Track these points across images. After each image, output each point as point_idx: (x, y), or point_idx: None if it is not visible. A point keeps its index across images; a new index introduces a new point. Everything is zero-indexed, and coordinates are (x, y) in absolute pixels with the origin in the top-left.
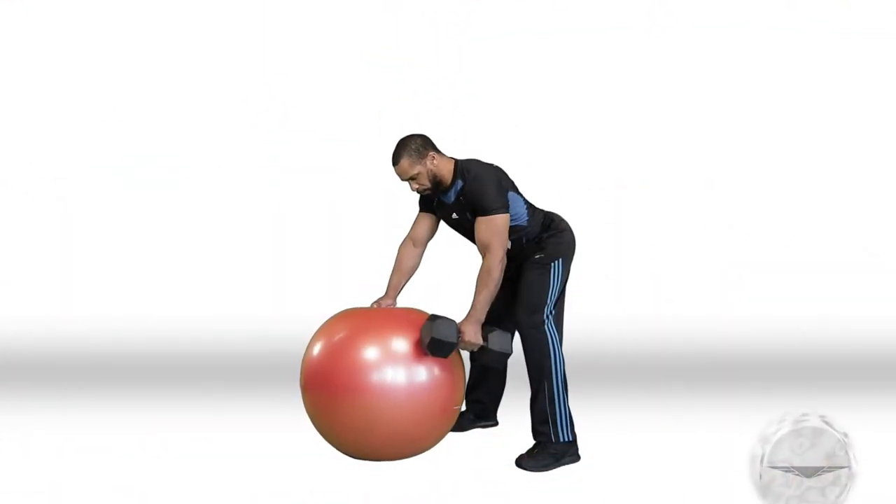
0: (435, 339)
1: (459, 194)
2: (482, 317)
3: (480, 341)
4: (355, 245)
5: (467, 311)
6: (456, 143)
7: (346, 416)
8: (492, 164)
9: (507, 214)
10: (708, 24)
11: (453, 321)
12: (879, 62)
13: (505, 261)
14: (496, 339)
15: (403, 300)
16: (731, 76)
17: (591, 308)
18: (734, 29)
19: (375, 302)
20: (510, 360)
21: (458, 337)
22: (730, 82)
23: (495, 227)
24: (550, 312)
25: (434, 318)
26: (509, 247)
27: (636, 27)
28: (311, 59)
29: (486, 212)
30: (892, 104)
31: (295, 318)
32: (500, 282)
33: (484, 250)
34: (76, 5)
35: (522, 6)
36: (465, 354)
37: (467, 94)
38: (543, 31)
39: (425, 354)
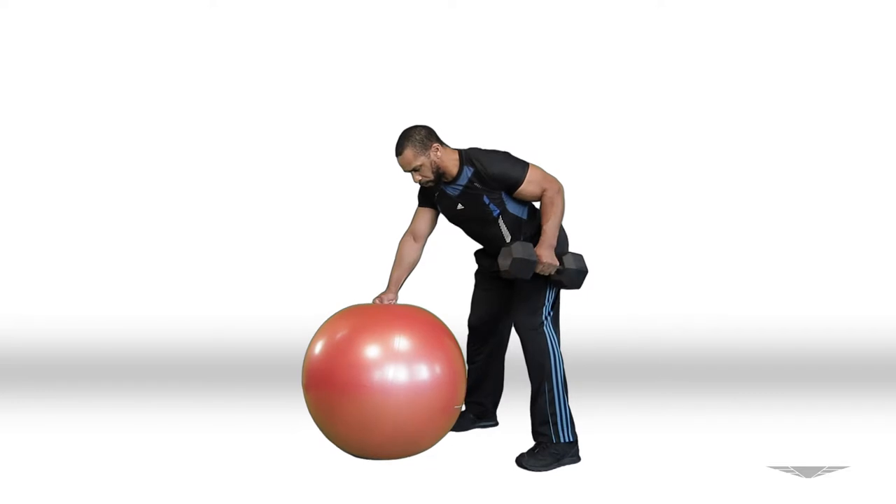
0: (518, 259)
1: (472, 180)
2: (553, 242)
3: (556, 262)
4: (356, 243)
5: (540, 237)
6: (456, 143)
7: (347, 414)
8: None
9: (532, 165)
10: (708, 23)
11: (528, 244)
12: (880, 62)
13: (563, 190)
14: (571, 260)
15: (404, 295)
16: (731, 76)
17: (591, 308)
18: (734, 29)
19: (377, 297)
20: (509, 360)
21: (536, 258)
22: (730, 82)
23: (535, 177)
24: (548, 313)
25: (510, 243)
26: (509, 240)
27: (636, 27)
28: (311, 59)
29: (518, 180)
30: (892, 104)
31: (296, 318)
32: (565, 209)
33: (541, 197)
34: (77, 5)
35: (522, 6)
36: (466, 353)
37: (467, 92)
38: (543, 30)
39: (505, 277)
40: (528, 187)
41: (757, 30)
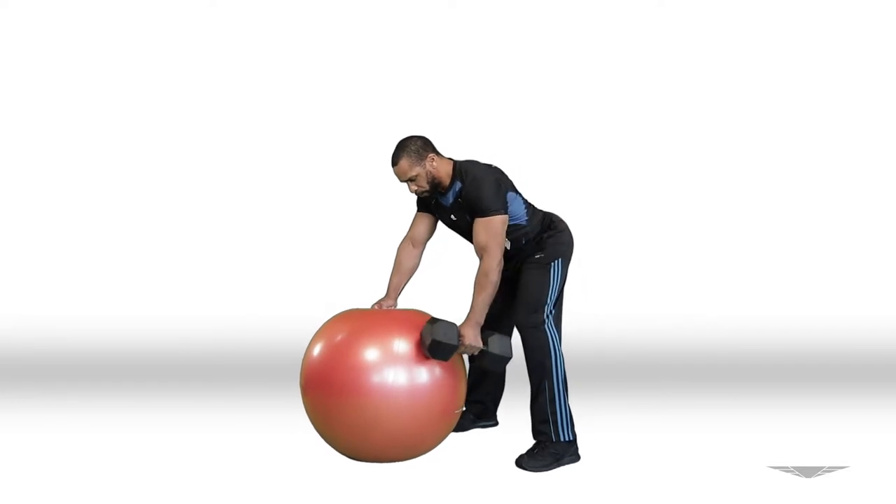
0: (436, 342)
1: (458, 195)
2: (481, 319)
3: (480, 344)
4: (355, 245)
5: (466, 314)
6: (455, 143)
7: (346, 417)
8: (491, 165)
9: (505, 216)
10: (708, 23)
11: (454, 324)
12: (880, 62)
13: (502, 263)
14: (496, 343)
15: (404, 301)
16: (731, 76)
17: (591, 308)
18: (734, 28)
19: (376, 303)
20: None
21: (459, 340)
22: (730, 82)
23: (493, 228)
24: (550, 312)
25: (434, 320)
26: (508, 247)
27: (636, 27)
28: (311, 61)
29: (484, 213)
30: (892, 104)
31: (295, 319)
32: (498, 284)
33: (481, 252)
34: (77, 6)
35: (522, 7)
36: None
37: (467, 93)
38: (543, 31)
39: (426, 357)
40: (479, 226)
41: (757, 30)
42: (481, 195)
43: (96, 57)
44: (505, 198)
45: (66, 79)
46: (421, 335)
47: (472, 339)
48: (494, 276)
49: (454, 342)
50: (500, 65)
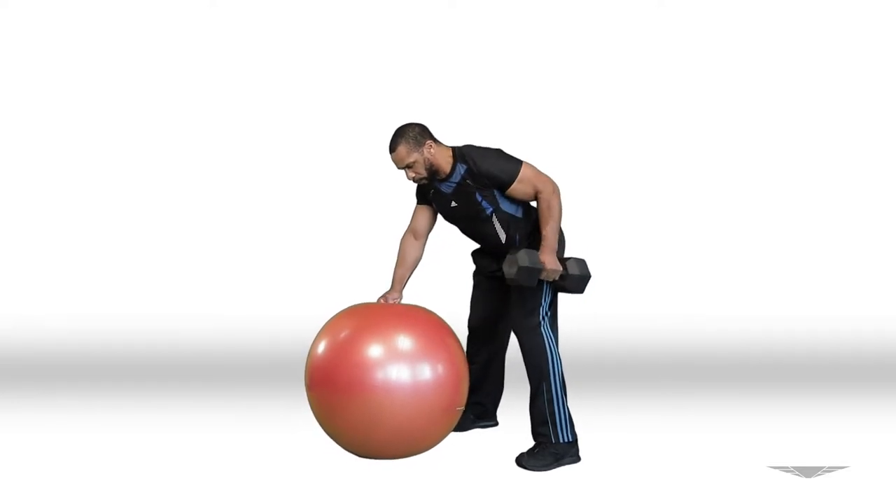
0: (524, 268)
1: (465, 177)
2: (555, 246)
3: (560, 268)
4: (358, 242)
5: (540, 244)
6: (454, 142)
7: (349, 414)
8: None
9: (525, 163)
10: (708, 23)
11: (533, 250)
12: (880, 62)
13: (559, 190)
14: (574, 265)
15: (406, 295)
16: (731, 76)
17: (591, 308)
18: (734, 28)
19: (382, 296)
20: (509, 360)
21: (541, 265)
22: (730, 82)
23: (527, 177)
24: (546, 314)
25: (513, 251)
26: (503, 240)
27: (636, 27)
28: (311, 59)
29: (510, 178)
30: (892, 104)
31: (299, 317)
32: (562, 210)
33: (536, 198)
34: (77, 6)
35: (522, 6)
36: (467, 354)
37: (467, 92)
38: (543, 30)
39: (511, 284)
40: (519, 186)
41: (757, 29)
42: (494, 166)
43: (96, 57)
44: (516, 158)
45: (65, 78)
46: (503, 267)
47: (552, 263)
48: (556, 203)
49: (540, 266)
50: (500, 64)
